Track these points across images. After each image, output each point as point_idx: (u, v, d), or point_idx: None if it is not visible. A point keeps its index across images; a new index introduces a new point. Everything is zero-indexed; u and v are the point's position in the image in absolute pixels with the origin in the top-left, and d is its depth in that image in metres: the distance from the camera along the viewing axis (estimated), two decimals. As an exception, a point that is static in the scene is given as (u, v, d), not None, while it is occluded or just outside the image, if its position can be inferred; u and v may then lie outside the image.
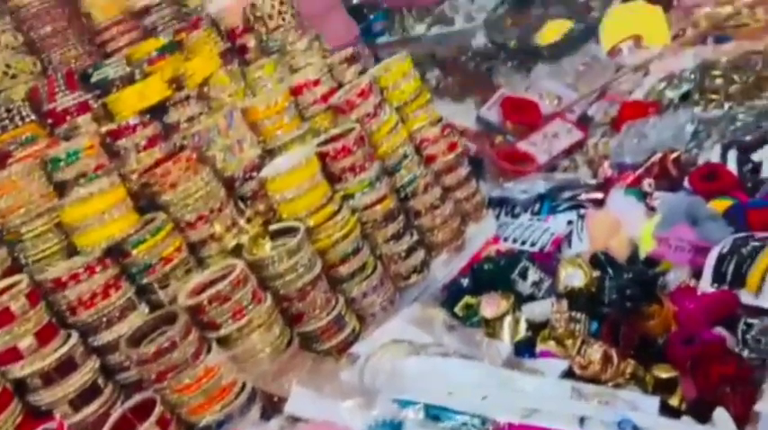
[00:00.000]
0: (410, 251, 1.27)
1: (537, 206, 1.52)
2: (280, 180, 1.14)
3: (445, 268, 1.33)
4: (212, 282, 1.05)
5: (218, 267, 1.09)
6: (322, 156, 1.19)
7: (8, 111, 1.16)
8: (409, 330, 1.02)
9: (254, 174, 1.20)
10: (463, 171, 1.41)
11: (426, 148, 1.36)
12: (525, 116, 2.00)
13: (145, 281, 1.07)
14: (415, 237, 1.29)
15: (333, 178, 1.21)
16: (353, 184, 1.21)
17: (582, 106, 2.02)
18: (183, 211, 1.11)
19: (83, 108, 1.22)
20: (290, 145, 1.26)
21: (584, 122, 1.96)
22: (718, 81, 1.77)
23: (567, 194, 1.52)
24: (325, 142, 1.23)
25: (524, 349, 1.03)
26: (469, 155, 1.95)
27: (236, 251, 1.13)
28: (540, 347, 1.03)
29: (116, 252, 1.05)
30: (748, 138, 1.44)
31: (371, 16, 3.31)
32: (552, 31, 2.45)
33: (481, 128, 2.07)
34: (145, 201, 1.14)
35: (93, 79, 1.29)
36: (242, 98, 1.33)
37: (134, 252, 1.05)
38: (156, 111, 1.26)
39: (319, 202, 1.15)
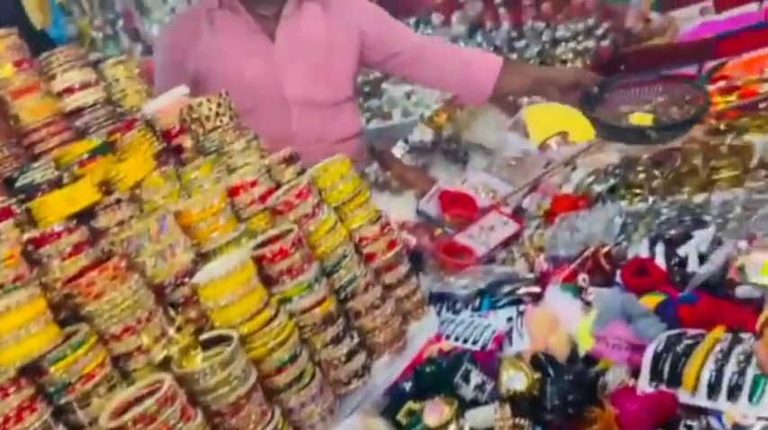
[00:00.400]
0: (350, 355, 1.23)
1: (477, 301, 1.52)
2: (213, 286, 1.10)
3: (387, 371, 1.29)
4: (138, 400, 0.98)
5: (145, 383, 1.02)
6: (258, 260, 1.17)
7: None
8: (349, 445, 0.97)
9: (186, 280, 1.16)
10: (403, 268, 1.40)
11: (366, 247, 1.35)
12: (463, 209, 2.05)
13: (63, 400, 0.98)
14: (356, 340, 1.26)
15: (269, 281, 1.18)
16: (291, 287, 1.18)
17: (516, 199, 2.09)
18: (107, 323, 1.04)
19: (4, 213, 1.16)
20: (226, 248, 1.22)
21: (519, 215, 2.02)
22: (642, 176, 1.87)
23: (506, 289, 1.54)
24: (262, 244, 1.20)
25: (469, 460, 1.00)
26: (410, 248, 1.97)
27: (165, 364, 1.06)
28: (484, 457, 1.00)
29: (32, 370, 0.97)
30: (673, 232, 1.51)
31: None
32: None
33: (421, 221, 2.11)
34: (67, 313, 1.07)
35: (19, 183, 1.23)
36: (176, 200, 1.30)
37: (52, 369, 0.98)
38: (85, 215, 1.21)
39: (255, 308, 1.11)
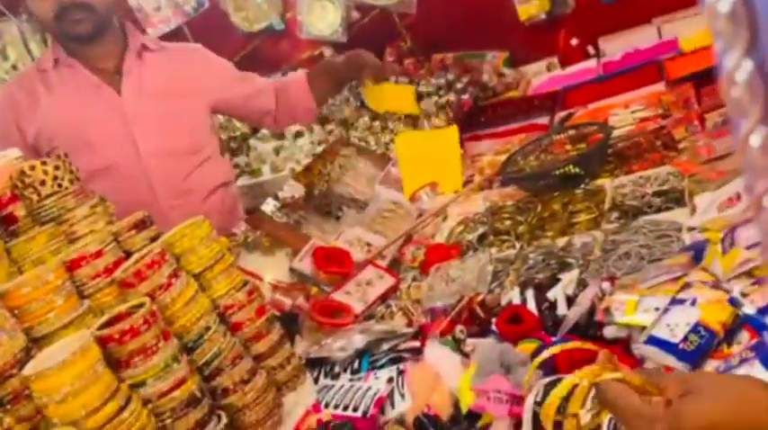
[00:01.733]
0: (217, 439, 1.11)
1: (356, 363, 1.45)
2: (47, 377, 0.95)
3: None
4: None
5: None
6: (104, 341, 1.03)
7: None
8: None
9: (15, 371, 0.99)
10: (275, 336, 1.31)
11: (232, 316, 1.25)
12: (338, 265, 1.99)
13: None
14: (224, 421, 1.14)
15: (118, 365, 1.04)
16: (144, 370, 1.04)
17: (391, 252, 2.07)
18: None
19: None
20: (65, 330, 1.07)
21: (395, 268, 2.00)
22: (507, 223, 1.92)
23: (385, 347, 1.48)
24: (108, 323, 1.06)
25: None
26: (284, 311, 1.87)
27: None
28: None
29: None
30: (541, 276, 1.55)
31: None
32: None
33: (295, 280, 2.02)
34: None
35: None
36: (6, 279, 1.13)
37: None
38: None
39: (100, 399, 0.97)
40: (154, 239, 1.26)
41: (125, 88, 1.95)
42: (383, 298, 1.83)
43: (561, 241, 1.71)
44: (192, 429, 1.09)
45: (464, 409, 1.17)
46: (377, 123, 3.06)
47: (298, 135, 3.22)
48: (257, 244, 2.14)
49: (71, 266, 1.14)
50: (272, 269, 2.07)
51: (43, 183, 1.26)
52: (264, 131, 3.34)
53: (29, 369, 0.97)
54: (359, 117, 3.17)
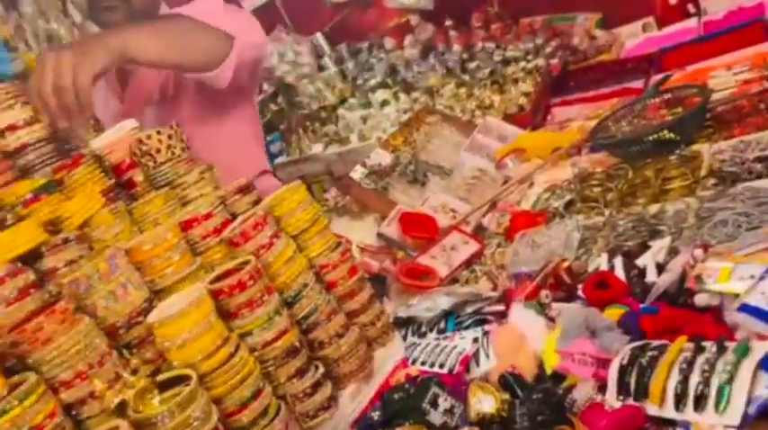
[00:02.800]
0: (316, 387, 1.20)
1: (442, 324, 1.51)
2: (168, 324, 1.06)
3: (353, 401, 1.26)
4: (92, 450, 0.94)
5: (99, 431, 0.97)
6: (215, 294, 1.13)
7: None
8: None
9: (141, 319, 1.11)
10: (366, 294, 1.38)
11: (326, 275, 1.33)
12: (423, 230, 2.04)
13: (10, 457, 0.92)
14: (321, 371, 1.23)
15: (228, 316, 1.15)
16: (251, 321, 1.15)
17: (476, 218, 2.10)
18: (57, 370, 0.99)
19: (-57, 261, 1.10)
20: (182, 283, 1.18)
21: (479, 233, 2.03)
22: (597, 190, 1.90)
23: (470, 309, 1.53)
24: (218, 278, 1.17)
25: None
26: (372, 273, 1.95)
27: (121, 409, 1.02)
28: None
29: (-26, 427, 0.91)
30: (630, 243, 1.53)
31: (268, 138, 3.38)
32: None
33: (382, 244, 2.09)
34: (13, 361, 1.02)
35: (-41, 228, 1.18)
36: (128, 237, 1.26)
37: (-3, 423, 0.92)
38: (31, 257, 1.16)
39: (214, 345, 1.07)
40: (256, 203, 1.36)
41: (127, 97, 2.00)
42: (468, 263, 1.87)
43: (653, 208, 1.68)
44: (292, 376, 1.19)
45: (549, 370, 1.20)
46: (462, 90, 3.06)
47: (384, 104, 3.28)
48: (347, 209, 2.23)
49: (185, 227, 1.25)
50: (360, 233, 2.15)
51: (158, 151, 1.38)
52: (352, 101, 3.42)
53: (152, 317, 1.09)
54: (444, 84, 3.18)
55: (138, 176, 1.44)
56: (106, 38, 1.37)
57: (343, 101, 3.47)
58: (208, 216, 1.26)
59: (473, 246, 1.94)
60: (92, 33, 1.41)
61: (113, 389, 1.02)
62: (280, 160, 3.45)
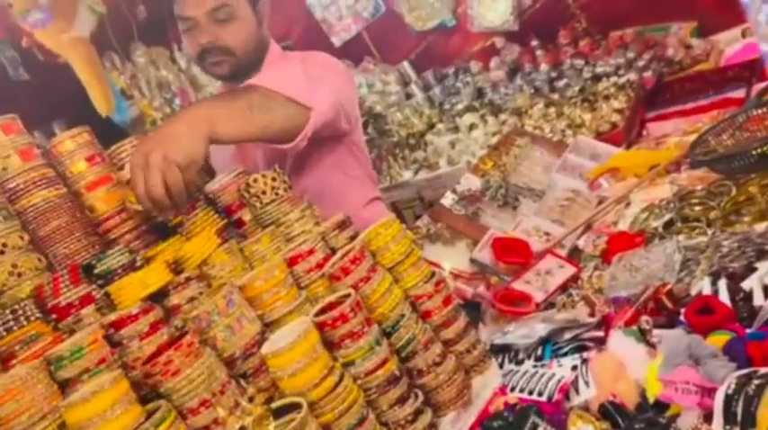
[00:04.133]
0: (416, 414, 1.25)
1: (539, 351, 1.52)
2: (280, 356, 1.15)
3: (454, 428, 1.30)
4: (217, 472, 1.03)
5: (223, 454, 1.07)
6: (320, 326, 1.21)
7: (13, 312, 1.19)
8: None
9: (255, 350, 1.21)
10: (461, 323, 1.42)
11: (422, 305, 1.38)
12: (517, 255, 2.05)
13: (148, 477, 1.04)
14: (421, 399, 1.28)
15: (332, 346, 1.22)
16: (353, 351, 1.22)
17: (571, 240, 2.09)
18: (185, 398, 1.11)
19: (86, 300, 1.25)
20: (289, 316, 1.28)
21: (575, 257, 2.01)
22: (697, 208, 1.84)
23: (567, 336, 1.53)
24: (322, 311, 1.25)
25: None
26: (467, 299, 1.99)
27: (240, 434, 1.11)
28: None
29: (119, 449, 1.03)
30: (735, 265, 1.48)
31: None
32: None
33: (475, 270, 2.12)
34: (147, 390, 1.14)
35: (97, 270, 1.33)
36: (241, 273, 1.37)
37: (137, 447, 1.04)
38: (158, 295, 1.30)
39: (320, 374, 1.15)
40: (353, 238, 1.44)
41: None
42: (563, 287, 1.86)
43: (760, 227, 1.61)
44: (393, 404, 1.24)
45: (651, 399, 1.19)
46: (551, 110, 3.04)
47: (472, 127, 3.31)
48: (438, 235, 2.28)
49: (290, 263, 1.35)
50: (453, 259, 2.19)
51: (264, 192, 1.49)
52: (440, 126, 3.48)
53: (265, 348, 1.19)
54: (533, 105, 3.17)
55: (247, 216, 1.57)
56: (191, 125, 1.39)
57: (431, 126, 3.55)
58: (310, 252, 1.35)
59: (569, 270, 1.93)
60: (176, 118, 1.46)
61: (234, 415, 1.12)
62: (372, 188, 3.56)
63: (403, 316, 1.32)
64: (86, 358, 1.11)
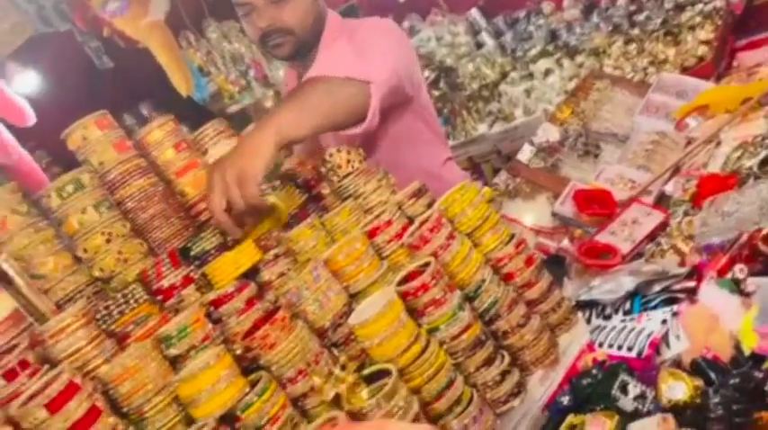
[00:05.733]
0: (504, 375, 1.28)
1: (628, 304, 1.49)
2: (367, 326, 1.20)
3: (543, 386, 1.32)
4: (319, 436, 1.11)
5: (322, 420, 1.14)
6: (403, 295, 1.25)
7: (124, 296, 1.30)
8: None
9: (343, 321, 1.27)
10: (545, 283, 1.42)
11: (503, 268, 1.39)
12: (600, 206, 2.00)
13: (257, 442, 1.13)
14: (507, 360, 1.30)
15: (416, 313, 1.26)
16: (436, 318, 1.25)
17: (657, 186, 2.01)
18: (282, 369, 1.19)
19: (186, 281, 1.35)
20: (373, 286, 1.33)
21: (662, 203, 1.94)
22: (796, 144, 1.72)
23: (657, 288, 1.49)
24: (404, 280, 1.29)
25: (637, 474, 1.00)
26: (550, 254, 1.97)
27: (336, 400, 1.18)
28: (652, 471, 0.99)
29: (228, 418, 1.13)
30: (839, 205, 1.38)
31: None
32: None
33: (557, 224, 2.09)
34: (247, 362, 1.23)
35: (193, 252, 1.43)
36: (323, 248, 1.43)
37: (244, 416, 1.13)
38: (250, 271, 1.38)
39: (407, 342, 1.20)
40: (429, 205, 1.46)
41: None
42: (651, 236, 1.81)
43: None
44: (480, 366, 1.27)
45: (746, 352, 1.15)
46: (632, 47, 2.88)
47: (547, 73, 3.20)
48: (518, 191, 2.26)
49: (370, 234, 1.39)
50: (534, 214, 2.17)
51: (340, 166, 1.53)
52: (514, 75, 3.39)
53: (352, 319, 1.24)
54: (611, 43, 3.02)
55: (326, 189, 1.62)
56: (261, 134, 1.44)
57: (504, 76, 3.45)
58: (388, 223, 1.39)
59: (656, 218, 1.86)
60: (249, 133, 1.49)
61: (329, 383, 1.19)
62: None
63: (484, 280, 1.33)
64: (192, 336, 1.20)
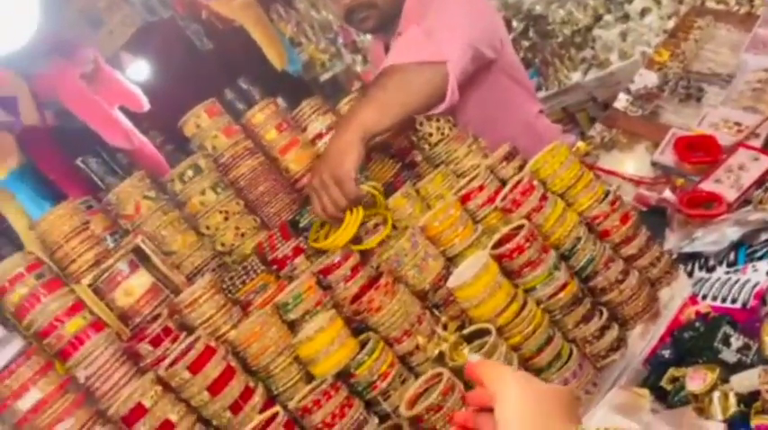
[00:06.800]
0: (603, 330, 1.31)
1: (732, 255, 1.47)
2: (465, 288, 1.27)
3: (643, 340, 1.34)
4: (426, 390, 1.21)
5: (428, 376, 1.23)
6: (498, 258, 1.30)
7: (244, 268, 1.45)
8: (615, 418, 1.06)
9: (442, 283, 1.35)
10: (642, 238, 1.42)
11: (599, 226, 1.40)
12: (703, 153, 1.93)
13: (370, 396, 1.25)
14: (606, 316, 1.33)
15: (512, 274, 1.31)
16: (532, 278, 1.30)
17: (766, 128, 1.90)
18: (389, 330, 1.29)
19: (297, 252, 1.47)
20: (468, 250, 1.39)
21: (772, 146, 1.84)
22: None
23: (764, 237, 1.45)
24: (499, 243, 1.34)
25: (738, 425, 1.02)
26: (650, 205, 1.93)
27: (440, 358, 1.27)
28: (755, 422, 1.00)
29: (343, 375, 1.25)
30: None
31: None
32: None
33: (658, 173, 2.03)
34: (356, 324, 1.34)
35: (301, 224, 1.55)
36: (419, 214, 1.50)
37: (357, 372, 1.25)
38: (352, 241, 1.48)
39: (504, 302, 1.26)
40: (521, 167, 1.48)
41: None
42: (760, 182, 1.73)
43: None
44: (579, 322, 1.31)
45: None
46: (738, -24, 2.66)
47: (644, 13, 3.03)
48: (614, 142, 2.20)
49: (463, 200, 1.44)
50: (632, 165, 2.12)
51: (431, 134, 1.59)
52: (608, 17, 3.24)
53: (451, 282, 1.31)
54: (714, -27, 2.80)
55: (418, 157, 1.68)
56: (347, 134, 1.49)
57: (597, 19, 3.30)
58: (481, 188, 1.43)
59: (765, 163, 1.78)
60: (335, 134, 1.55)
61: (432, 342, 1.27)
62: (540, 95, 3.46)
63: (579, 239, 1.35)
64: (306, 302, 1.32)
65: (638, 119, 2.23)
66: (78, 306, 1.24)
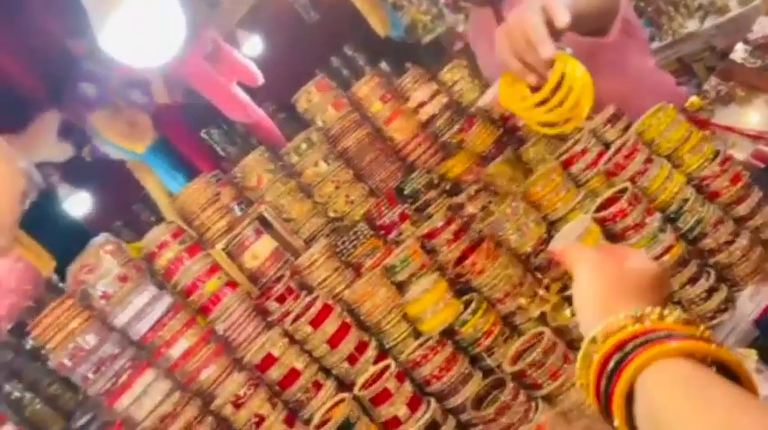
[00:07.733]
0: (710, 292, 1.30)
1: None
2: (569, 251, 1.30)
3: (752, 302, 1.32)
4: (528, 348, 1.27)
5: (530, 334, 1.29)
6: (601, 221, 1.32)
7: (354, 233, 1.56)
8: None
9: (543, 247, 1.39)
10: (754, 198, 1.38)
11: (708, 187, 1.37)
12: (833, 104, 1.79)
13: (474, 352, 1.33)
14: (713, 277, 1.31)
15: (617, 237, 1.33)
16: (636, 241, 1.30)
17: None
18: (491, 291, 1.35)
19: (403, 217, 1.57)
20: (571, 213, 1.41)
21: None
22: None
23: None
24: (602, 206, 1.35)
25: None
26: (769, 162, 1.83)
27: (542, 318, 1.32)
28: None
29: (448, 333, 1.34)
30: None
31: (635, 28, 3.23)
32: None
33: (780, 128, 1.91)
34: (460, 285, 1.42)
35: (406, 191, 1.64)
36: (521, 179, 1.54)
37: (462, 330, 1.33)
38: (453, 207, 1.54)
39: (609, 265, 1.28)
40: (625, 129, 1.47)
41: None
42: None
43: None
44: (685, 284, 1.31)
45: None
46: None
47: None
48: (731, 96, 2.08)
49: (565, 164, 1.46)
50: (751, 119, 2.00)
51: (531, 99, 1.60)
52: (726, -41, 3.00)
53: (552, 245, 1.35)
54: None
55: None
56: (525, 10, 1.27)
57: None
58: (583, 152, 1.44)
59: None
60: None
61: (534, 303, 1.33)
62: (653, 46, 3.29)
63: (686, 200, 1.34)
64: (412, 265, 1.42)
65: (757, 70, 2.09)
66: (215, 268, 1.41)
